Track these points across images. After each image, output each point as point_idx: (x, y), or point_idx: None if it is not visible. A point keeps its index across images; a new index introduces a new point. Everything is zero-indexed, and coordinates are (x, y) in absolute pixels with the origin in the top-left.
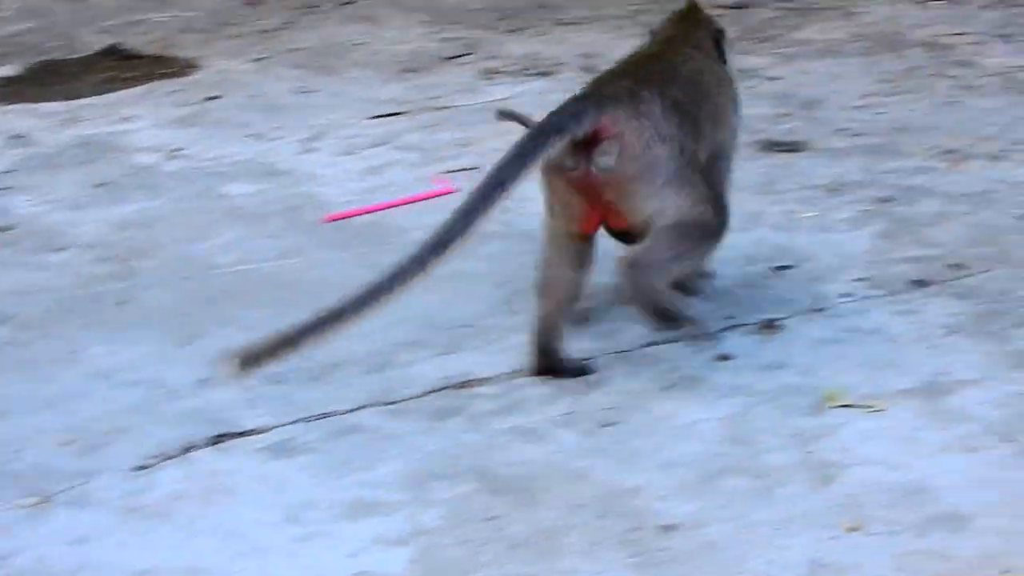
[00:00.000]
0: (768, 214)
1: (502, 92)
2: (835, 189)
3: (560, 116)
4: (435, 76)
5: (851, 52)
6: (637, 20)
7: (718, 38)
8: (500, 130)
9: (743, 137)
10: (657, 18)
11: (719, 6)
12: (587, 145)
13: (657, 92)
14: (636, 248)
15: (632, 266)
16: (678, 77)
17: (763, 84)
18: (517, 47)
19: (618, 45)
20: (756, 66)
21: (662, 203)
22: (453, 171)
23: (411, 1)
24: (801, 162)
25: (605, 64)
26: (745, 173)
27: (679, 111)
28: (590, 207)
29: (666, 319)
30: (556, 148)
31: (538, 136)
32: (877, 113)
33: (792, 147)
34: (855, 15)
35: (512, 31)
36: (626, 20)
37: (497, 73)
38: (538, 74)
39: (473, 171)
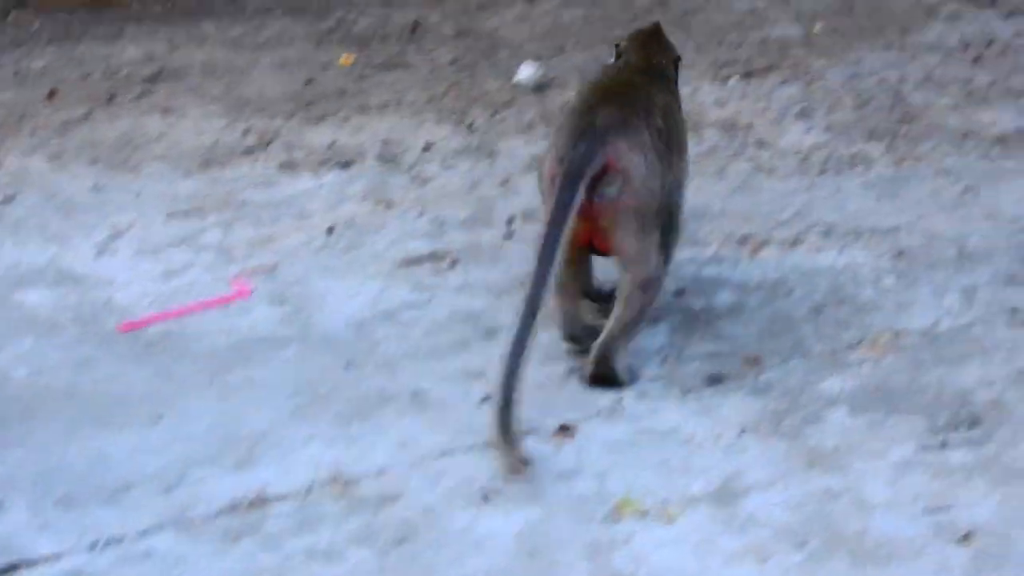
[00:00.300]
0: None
1: (302, 185)
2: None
3: (579, 161)
4: (235, 169)
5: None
6: (438, 105)
7: (676, 65)
8: (299, 225)
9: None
10: (459, 102)
11: (520, 89)
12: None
13: (644, 123)
14: (616, 317)
15: (613, 334)
16: (655, 107)
17: None
18: (317, 136)
19: (418, 131)
20: None
21: (647, 234)
22: (252, 270)
23: (211, 90)
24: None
25: (406, 152)
26: None
27: (659, 142)
28: (585, 229)
29: (614, 380)
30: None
31: (570, 185)
32: None
33: None
34: None
35: (312, 120)
36: (426, 105)
37: (297, 165)
38: (339, 165)
39: (273, 269)
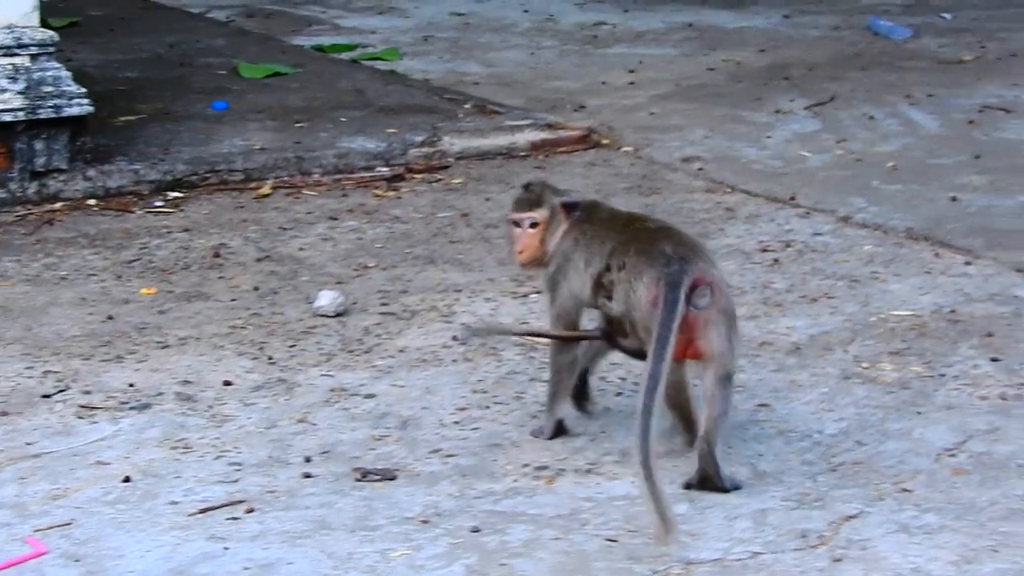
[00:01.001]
0: (359, 556)
1: (100, 431)
2: (427, 521)
3: (680, 275)
4: (30, 418)
5: (449, 359)
6: (238, 337)
7: None
8: (96, 476)
9: (335, 468)
10: (259, 333)
11: (321, 315)
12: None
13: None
14: (709, 416)
15: (710, 431)
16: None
17: (360, 404)
18: (116, 377)
19: (218, 367)
20: (352, 384)
21: (731, 338)
22: (47, 528)
23: (9, 331)
24: (396, 492)
25: (205, 391)
26: (336, 511)
27: None
28: (683, 339)
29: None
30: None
31: (675, 296)
32: (472, 429)
33: (386, 475)
34: (456, 315)
35: (112, 359)
36: (227, 338)
37: (95, 410)
38: (137, 408)
39: (67, 527)
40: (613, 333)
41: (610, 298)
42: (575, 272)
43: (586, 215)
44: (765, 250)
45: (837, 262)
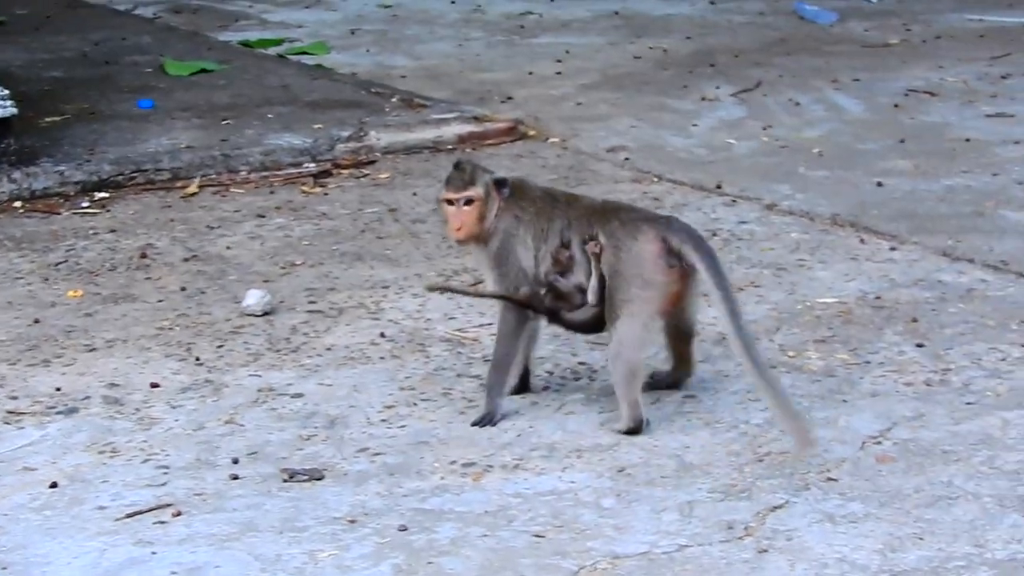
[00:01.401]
0: (287, 557)
1: (27, 437)
2: (355, 520)
3: (690, 229)
4: None
5: (376, 356)
6: (166, 338)
7: None
8: (23, 482)
9: (262, 469)
10: (186, 334)
11: (249, 314)
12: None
13: None
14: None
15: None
16: None
17: (287, 404)
18: (43, 381)
19: (145, 369)
20: (279, 383)
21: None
22: None
23: None
24: (323, 492)
25: (132, 394)
26: (263, 512)
27: None
28: (674, 292)
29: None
30: None
31: (702, 239)
32: (400, 426)
33: (314, 475)
34: (383, 312)
35: (39, 363)
36: (154, 340)
37: (22, 415)
38: (64, 412)
39: None
40: (559, 309)
41: (563, 273)
42: (522, 247)
43: (518, 192)
44: None
45: (763, 250)
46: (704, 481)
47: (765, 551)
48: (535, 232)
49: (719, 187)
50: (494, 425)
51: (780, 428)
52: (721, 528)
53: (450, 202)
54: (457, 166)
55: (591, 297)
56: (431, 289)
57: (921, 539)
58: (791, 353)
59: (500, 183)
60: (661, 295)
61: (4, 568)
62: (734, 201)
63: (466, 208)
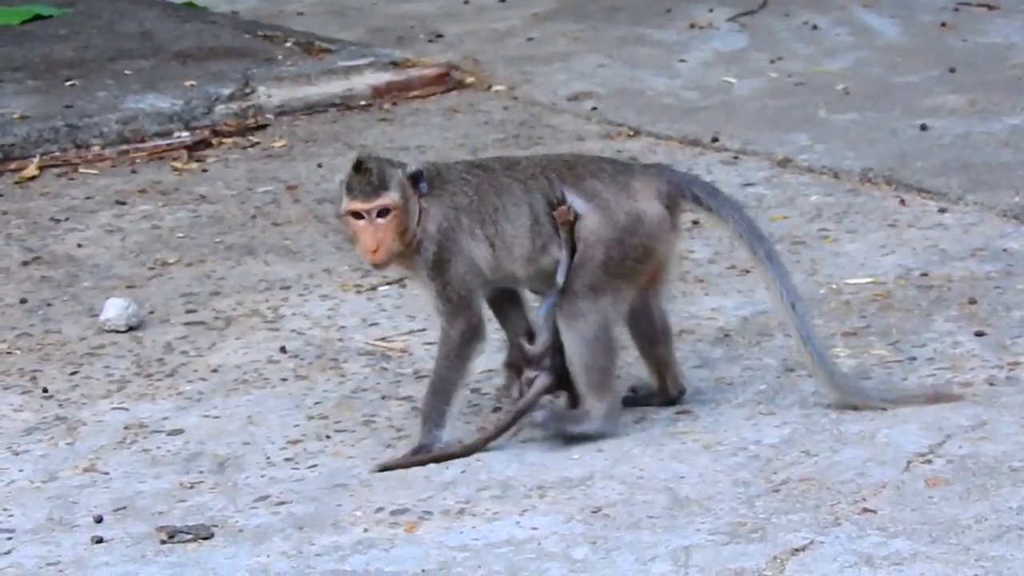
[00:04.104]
0: None
1: None
2: None
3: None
4: None
5: (277, 377)
6: (3, 365)
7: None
8: None
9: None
10: (29, 358)
11: (110, 329)
12: None
13: None
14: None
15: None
16: None
17: (164, 443)
18: None
19: None
20: (152, 418)
21: None
22: None
23: None
24: (213, 555)
25: None
26: None
27: None
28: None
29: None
30: None
31: (717, 190)
32: (309, 467)
33: (200, 533)
34: (284, 320)
35: None
36: None
37: None
38: None
39: None
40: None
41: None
42: (469, 241)
43: (437, 180)
44: None
45: (775, 220)
46: (704, 520)
47: None
48: (484, 216)
49: (716, 140)
50: (432, 457)
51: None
52: None
53: (357, 215)
54: (359, 167)
55: (560, 278)
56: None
57: None
58: None
59: (415, 178)
60: (653, 268)
61: None
62: (736, 158)
63: (381, 221)
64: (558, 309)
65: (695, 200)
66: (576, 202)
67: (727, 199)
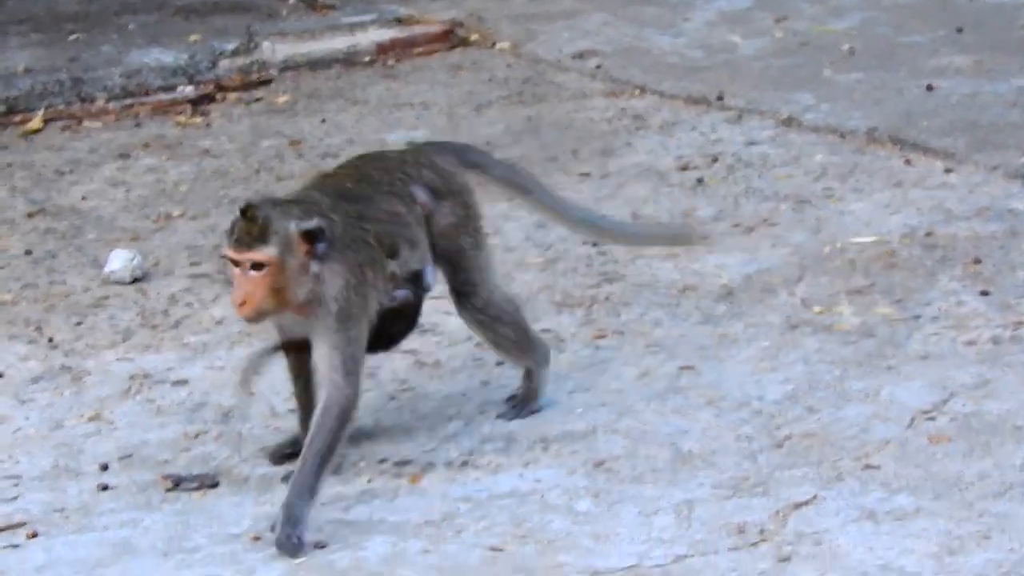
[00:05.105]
0: None
1: None
2: (259, 537)
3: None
4: None
5: None
6: (8, 316)
7: None
8: None
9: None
10: (35, 309)
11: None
12: None
13: None
14: None
15: None
16: None
17: (168, 394)
18: None
19: None
20: (157, 368)
21: None
22: None
23: None
24: (218, 503)
25: None
26: (143, 531)
27: None
28: None
29: None
30: None
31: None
32: None
33: (205, 482)
34: None
35: None
36: None
37: None
38: None
39: None
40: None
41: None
42: (374, 292)
43: (334, 232)
44: (685, 168)
45: (779, 178)
46: (707, 474)
47: (787, 559)
48: (378, 264)
49: (720, 99)
50: (301, 548)
51: None
52: (730, 532)
53: (234, 262)
54: (245, 212)
55: (430, 278)
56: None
57: (987, 538)
58: (817, 308)
59: (312, 235)
60: None
61: None
62: (740, 116)
63: (254, 274)
64: (463, 307)
65: (474, 165)
66: (420, 195)
67: (499, 161)
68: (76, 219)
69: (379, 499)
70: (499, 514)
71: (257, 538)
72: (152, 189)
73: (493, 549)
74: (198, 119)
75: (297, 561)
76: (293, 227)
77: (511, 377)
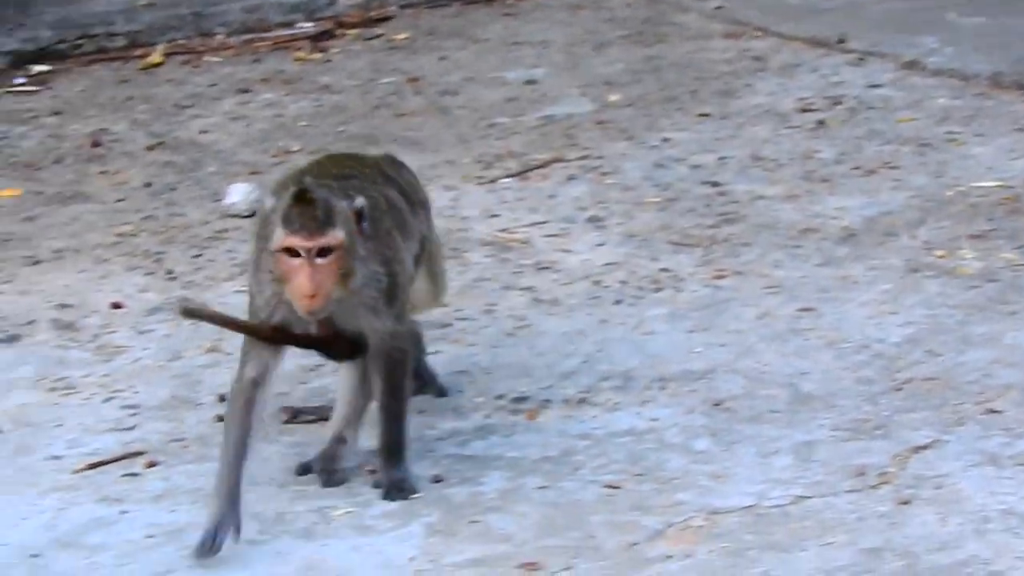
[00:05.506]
0: (291, 517)
1: None
2: (374, 470)
3: None
4: None
5: None
6: (128, 247)
7: None
8: None
9: None
10: (154, 240)
11: (233, 214)
12: None
13: None
14: None
15: None
16: None
17: None
18: None
19: (103, 286)
20: None
21: None
22: None
23: None
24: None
25: (88, 317)
26: (259, 462)
27: None
28: None
29: None
30: None
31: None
32: (431, 352)
33: (322, 414)
34: None
35: None
36: (114, 248)
37: None
38: (3, 340)
39: None
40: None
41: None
42: (406, 238)
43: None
44: (806, 110)
45: (901, 122)
46: (827, 416)
47: (907, 503)
48: (402, 225)
49: (842, 42)
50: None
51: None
52: (849, 475)
53: (293, 252)
54: (301, 196)
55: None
56: (186, 314)
57: None
58: (939, 252)
59: (360, 214)
60: None
61: None
62: (862, 59)
63: (321, 261)
64: None
65: None
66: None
67: None
68: (196, 152)
69: (496, 435)
70: (616, 452)
71: (373, 471)
72: (271, 123)
73: (610, 487)
74: (317, 55)
75: (414, 497)
76: (347, 206)
77: (628, 316)
